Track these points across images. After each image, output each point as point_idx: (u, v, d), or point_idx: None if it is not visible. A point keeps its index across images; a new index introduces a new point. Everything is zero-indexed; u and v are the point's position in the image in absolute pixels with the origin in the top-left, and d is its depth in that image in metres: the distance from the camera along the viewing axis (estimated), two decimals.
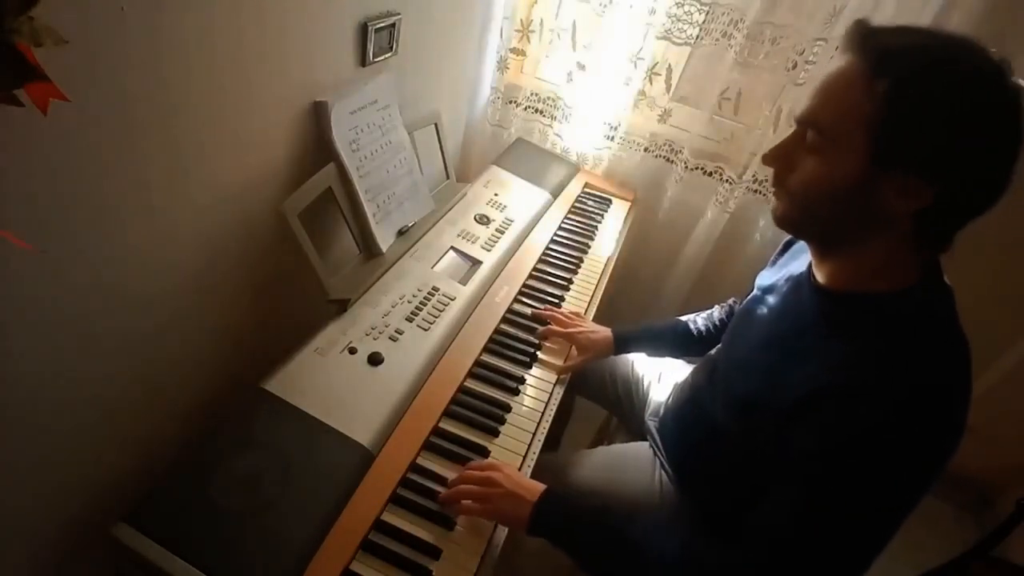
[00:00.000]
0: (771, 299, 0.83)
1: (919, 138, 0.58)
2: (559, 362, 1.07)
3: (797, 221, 0.69)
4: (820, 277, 0.73)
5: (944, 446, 0.60)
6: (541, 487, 0.78)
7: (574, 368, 1.08)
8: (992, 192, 0.60)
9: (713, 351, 0.98)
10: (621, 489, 0.99)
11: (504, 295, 1.15)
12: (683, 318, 1.15)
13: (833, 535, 0.63)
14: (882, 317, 0.65)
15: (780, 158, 0.67)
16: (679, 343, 1.13)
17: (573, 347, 1.11)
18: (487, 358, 1.04)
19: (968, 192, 0.60)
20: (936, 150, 0.57)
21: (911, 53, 0.59)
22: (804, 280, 0.76)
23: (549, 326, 1.12)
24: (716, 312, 1.13)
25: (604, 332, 1.12)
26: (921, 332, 0.63)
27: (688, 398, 0.97)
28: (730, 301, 1.13)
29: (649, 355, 1.18)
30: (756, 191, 1.51)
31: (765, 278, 0.89)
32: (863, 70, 0.60)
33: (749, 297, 0.91)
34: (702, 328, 1.12)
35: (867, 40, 0.61)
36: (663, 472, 0.98)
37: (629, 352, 1.16)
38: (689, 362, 1.14)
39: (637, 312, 1.78)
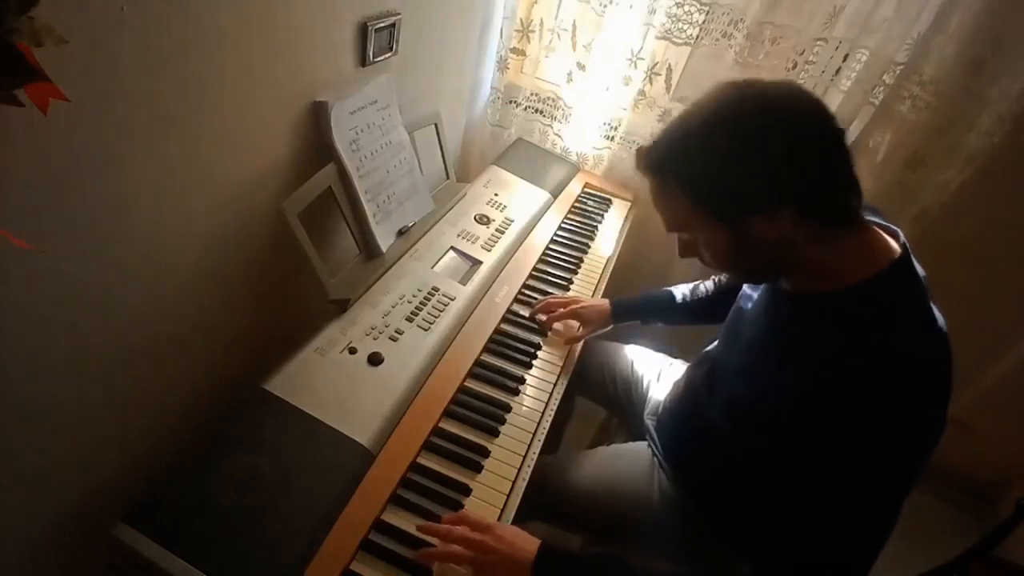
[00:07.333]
0: (753, 301, 0.86)
1: (731, 192, 0.65)
2: (559, 361, 1.08)
3: (736, 278, 0.77)
4: (785, 285, 0.76)
5: (923, 429, 0.62)
6: (535, 545, 0.73)
7: (582, 338, 1.12)
8: (827, 167, 0.64)
9: (711, 348, 0.99)
10: (620, 490, 1.00)
11: (504, 295, 1.15)
12: (674, 288, 1.19)
13: (835, 527, 0.65)
14: (843, 314, 0.68)
15: (687, 253, 0.77)
16: (673, 309, 1.16)
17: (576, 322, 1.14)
18: (487, 358, 1.04)
19: (806, 182, 0.63)
20: (746, 187, 0.64)
21: (668, 147, 0.69)
22: (774, 287, 0.79)
23: (551, 312, 1.13)
24: (702, 285, 1.16)
25: (603, 302, 1.17)
26: (883, 322, 0.65)
27: (685, 395, 0.98)
28: (714, 277, 1.16)
29: (643, 323, 1.20)
30: None
31: None
32: (656, 185, 0.71)
33: (739, 297, 0.93)
34: (688, 296, 1.16)
35: (645, 161, 0.72)
36: (661, 471, 0.98)
37: (626, 321, 1.18)
38: (687, 359, 1.15)
39: None
